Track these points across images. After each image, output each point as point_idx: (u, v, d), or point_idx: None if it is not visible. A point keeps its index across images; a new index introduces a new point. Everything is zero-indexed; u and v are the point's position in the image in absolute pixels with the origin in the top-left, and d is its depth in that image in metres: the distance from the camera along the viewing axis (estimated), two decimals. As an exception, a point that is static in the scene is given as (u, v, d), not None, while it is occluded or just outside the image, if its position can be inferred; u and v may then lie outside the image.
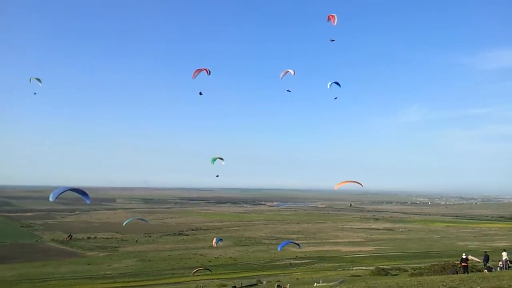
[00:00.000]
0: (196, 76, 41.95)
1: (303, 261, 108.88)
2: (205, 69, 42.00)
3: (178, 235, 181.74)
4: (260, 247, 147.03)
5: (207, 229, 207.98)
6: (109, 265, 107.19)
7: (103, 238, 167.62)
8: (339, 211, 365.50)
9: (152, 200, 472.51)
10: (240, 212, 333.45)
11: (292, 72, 42.85)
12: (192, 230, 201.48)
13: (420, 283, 17.07)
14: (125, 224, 55.01)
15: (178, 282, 74.31)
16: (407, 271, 52.80)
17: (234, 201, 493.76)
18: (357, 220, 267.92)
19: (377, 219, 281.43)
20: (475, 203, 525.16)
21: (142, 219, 64.27)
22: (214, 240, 74.93)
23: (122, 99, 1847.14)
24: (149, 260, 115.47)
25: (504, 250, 36.70)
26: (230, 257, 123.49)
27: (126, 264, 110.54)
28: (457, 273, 30.66)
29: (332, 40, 44.70)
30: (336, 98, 47.43)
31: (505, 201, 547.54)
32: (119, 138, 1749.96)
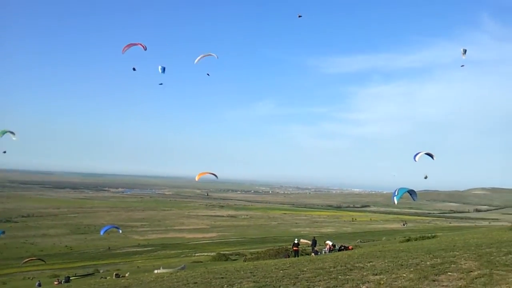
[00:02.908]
0: (125, 51, 37.54)
1: (146, 248, 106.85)
2: (140, 44, 38.51)
3: (5, 222, 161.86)
4: (100, 235, 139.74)
5: (41, 216, 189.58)
6: None
7: None
8: (186, 198, 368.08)
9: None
10: (81, 198, 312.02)
11: (215, 56, 40.95)
12: (23, 217, 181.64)
13: (255, 267, 17.79)
14: None
15: (3, 274, 66.43)
16: (246, 255, 55.53)
17: (75, 186, 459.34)
18: (203, 208, 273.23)
19: (222, 206, 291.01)
20: (309, 193, 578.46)
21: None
22: None
23: None
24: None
25: (328, 240, 40.71)
26: (66, 246, 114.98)
27: None
28: (289, 257, 33.19)
29: (300, 16, 43.59)
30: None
31: (333, 191, 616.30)
32: None
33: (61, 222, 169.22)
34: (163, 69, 42.23)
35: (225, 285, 12.37)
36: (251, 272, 15.28)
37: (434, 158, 26.90)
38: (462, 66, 36.12)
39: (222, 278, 14.33)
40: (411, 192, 25.51)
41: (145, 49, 38.86)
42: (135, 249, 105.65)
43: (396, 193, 25.26)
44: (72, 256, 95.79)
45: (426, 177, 29.02)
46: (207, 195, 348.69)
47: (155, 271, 32.84)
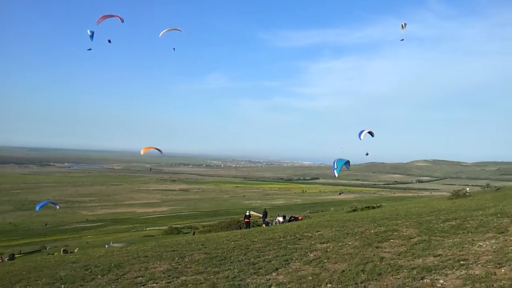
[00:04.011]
0: (100, 22, 34.85)
1: (95, 224, 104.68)
2: (117, 16, 35.92)
3: None
4: (46, 211, 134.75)
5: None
6: None
7: None
8: (136, 173, 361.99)
9: None
10: (25, 174, 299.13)
11: (181, 31, 39.20)
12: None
13: (207, 239, 17.92)
14: None
15: None
16: (198, 228, 55.75)
17: (19, 161, 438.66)
18: (154, 182, 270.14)
19: (174, 180, 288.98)
20: (261, 166, 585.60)
21: None
22: None
23: None
24: None
25: (279, 216, 41.23)
26: (10, 223, 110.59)
27: None
28: (240, 229, 33.65)
29: None
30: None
31: (285, 164, 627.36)
32: None
33: (4, 198, 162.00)
34: (92, 34, 40.28)
35: (176, 258, 12.40)
36: (202, 244, 15.38)
37: (374, 136, 28.12)
38: (402, 40, 36.69)
39: (174, 251, 14.33)
40: (346, 163, 26.63)
41: (122, 21, 37.24)
42: (83, 225, 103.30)
43: (335, 166, 26.19)
44: (17, 233, 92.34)
45: (367, 154, 30.25)
46: (150, 169, 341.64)
47: (105, 246, 32.39)
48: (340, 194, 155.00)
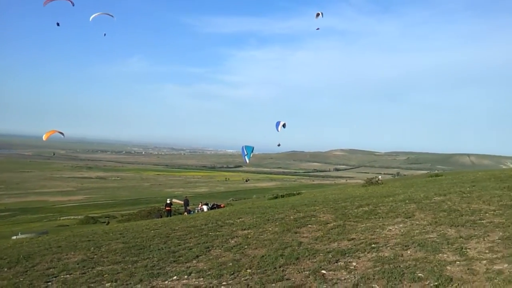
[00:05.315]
0: (47, 3, 30.66)
1: (2, 214, 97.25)
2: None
3: None
4: None
5: None
6: None
7: None
8: (48, 159, 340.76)
9: None
10: None
11: (112, 16, 36.90)
12: None
13: (125, 228, 17.41)
14: None
15: None
16: (117, 217, 54.02)
17: None
18: (69, 169, 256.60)
19: (90, 167, 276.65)
20: (184, 154, 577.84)
21: None
22: None
23: None
24: None
25: (202, 203, 40.82)
26: None
27: None
28: (161, 217, 33.08)
29: None
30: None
31: (208, 152, 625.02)
32: None
33: None
34: None
35: (92, 248, 11.88)
36: (120, 234, 14.89)
37: (285, 127, 30.12)
38: (318, 29, 37.45)
39: (89, 240, 13.72)
40: (252, 149, 28.47)
41: (73, 5, 34.79)
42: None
43: (245, 152, 27.24)
44: None
45: (279, 145, 31.73)
46: (54, 154, 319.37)
47: (13, 237, 30.23)
48: (246, 181, 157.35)
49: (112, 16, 38.81)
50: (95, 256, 10.73)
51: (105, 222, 49.18)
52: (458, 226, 9.64)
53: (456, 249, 7.79)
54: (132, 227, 18.10)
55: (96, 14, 37.61)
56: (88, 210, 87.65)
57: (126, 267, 9.17)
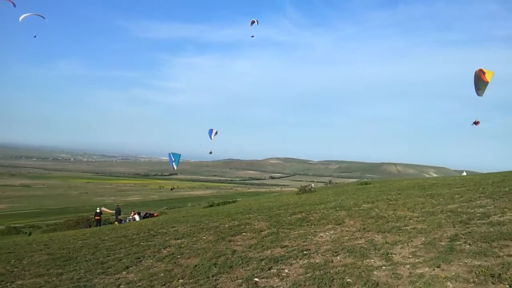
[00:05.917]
0: None
1: None
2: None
3: None
4: None
5: None
6: None
7: None
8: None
9: None
10: None
11: (43, 17, 34.60)
12: None
13: (51, 239, 16.49)
14: None
15: None
16: (42, 227, 51.02)
17: None
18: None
19: (13, 174, 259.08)
20: (116, 161, 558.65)
21: None
22: None
23: None
24: None
25: (134, 213, 39.49)
26: None
27: None
28: (90, 227, 31.70)
29: None
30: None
31: (142, 160, 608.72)
32: None
33: None
34: None
35: (13, 260, 11.12)
36: (45, 245, 14.08)
37: (217, 134, 31.25)
38: (252, 36, 38.31)
39: (10, 252, 12.85)
40: (179, 156, 29.16)
41: (15, 6, 32.85)
42: None
43: (173, 158, 27.72)
44: None
45: (210, 153, 32.51)
46: None
47: None
48: (172, 189, 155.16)
49: (43, 17, 37.11)
50: (16, 269, 10.07)
51: (26, 233, 46.23)
52: (384, 232, 10.11)
53: (383, 254, 8.15)
54: (58, 237, 17.20)
55: (27, 14, 35.86)
56: (10, 220, 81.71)
57: (49, 280, 8.68)
